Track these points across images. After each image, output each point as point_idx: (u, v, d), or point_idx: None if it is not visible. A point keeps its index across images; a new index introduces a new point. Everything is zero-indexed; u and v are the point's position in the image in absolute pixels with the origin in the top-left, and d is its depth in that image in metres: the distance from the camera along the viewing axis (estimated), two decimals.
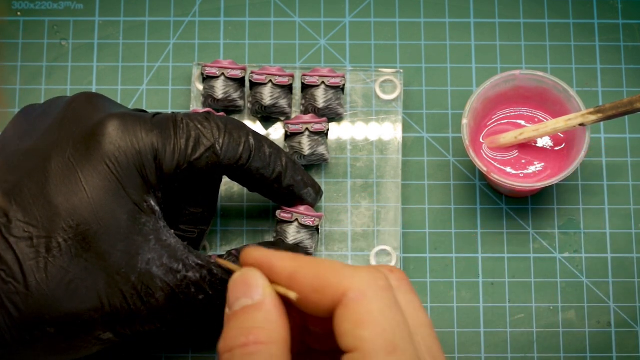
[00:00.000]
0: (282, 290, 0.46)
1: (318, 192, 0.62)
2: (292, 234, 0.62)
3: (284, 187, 0.60)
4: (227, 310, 0.47)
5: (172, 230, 0.57)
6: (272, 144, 0.59)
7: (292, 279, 0.46)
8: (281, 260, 0.47)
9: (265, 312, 0.46)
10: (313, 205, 0.62)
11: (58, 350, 0.54)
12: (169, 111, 0.67)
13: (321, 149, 0.65)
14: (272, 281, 0.47)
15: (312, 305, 0.46)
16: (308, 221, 0.62)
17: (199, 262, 0.55)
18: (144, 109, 0.67)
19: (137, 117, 0.56)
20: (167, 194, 0.58)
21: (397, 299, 0.46)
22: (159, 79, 0.68)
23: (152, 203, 0.55)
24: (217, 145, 0.57)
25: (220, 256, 0.59)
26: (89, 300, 0.53)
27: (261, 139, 0.59)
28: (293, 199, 0.61)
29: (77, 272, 0.53)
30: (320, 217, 0.63)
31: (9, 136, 0.58)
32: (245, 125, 0.59)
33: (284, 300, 0.47)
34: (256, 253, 0.47)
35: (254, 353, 0.45)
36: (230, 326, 0.46)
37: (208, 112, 0.58)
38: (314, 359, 0.51)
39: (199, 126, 0.57)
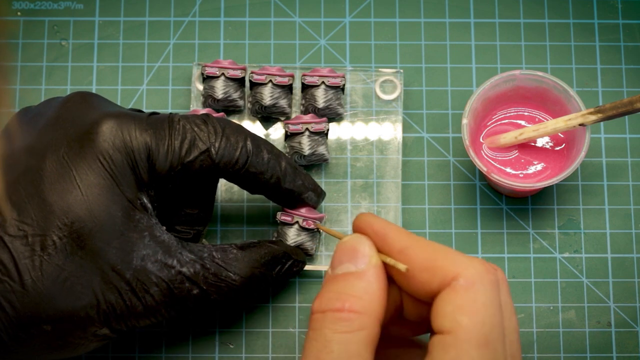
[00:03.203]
0: (392, 261, 0.47)
1: (319, 194, 0.62)
2: (293, 236, 0.62)
3: (282, 191, 0.60)
4: (329, 270, 0.48)
5: (165, 227, 0.57)
6: (271, 149, 0.59)
7: (404, 253, 0.47)
8: (397, 233, 0.47)
9: (367, 282, 0.46)
10: (314, 207, 0.62)
11: (55, 347, 0.54)
12: (169, 111, 0.67)
13: (321, 149, 0.65)
14: (381, 252, 0.47)
15: (417, 283, 0.46)
16: (309, 224, 0.62)
17: (193, 257, 0.56)
18: (144, 109, 0.67)
19: (132, 116, 0.56)
20: (162, 194, 0.58)
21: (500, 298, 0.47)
22: (159, 79, 0.68)
23: (145, 200, 0.56)
24: (212, 149, 0.57)
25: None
26: (85, 297, 0.53)
27: (260, 144, 0.59)
28: (293, 202, 0.61)
29: (73, 270, 0.53)
30: (321, 219, 0.62)
31: (4, 137, 0.58)
32: (244, 129, 0.58)
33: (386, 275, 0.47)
34: (372, 219, 0.48)
35: (346, 320, 0.46)
36: (329, 288, 0.47)
37: (207, 115, 0.58)
38: (399, 335, 0.51)
39: (196, 128, 0.57)
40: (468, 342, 0.44)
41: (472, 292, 0.45)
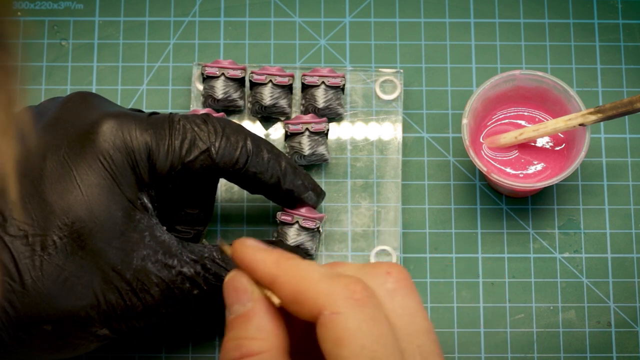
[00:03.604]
0: (268, 294, 0.45)
1: (319, 194, 0.62)
2: (293, 236, 0.62)
3: (282, 191, 0.60)
4: (227, 313, 0.47)
5: (165, 227, 0.57)
6: (271, 149, 0.59)
7: (274, 285, 0.45)
8: (263, 265, 0.45)
9: (257, 320, 0.45)
10: (315, 207, 0.62)
11: (55, 347, 0.54)
12: (169, 111, 0.67)
13: (321, 149, 0.65)
14: (256, 284, 0.46)
15: (293, 314, 0.45)
16: (309, 224, 0.62)
17: (193, 257, 0.56)
18: (144, 109, 0.67)
19: (132, 116, 0.56)
20: (162, 194, 0.58)
21: (386, 307, 0.44)
22: (159, 79, 0.68)
23: (146, 200, 0.56)
24: (212, 149, 0.57)
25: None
26: (85, 297, 0.53)
27: (260, 144, 0.59)
28: (293, 202, 0.61)
29: (73, 270, 0.53)
30: (321, 219, 0.63)
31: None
32: (244, 129, 0.58)
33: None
34: (242, 251, 0.46)
35: None
36: (228, 336, 0.46)
37: (207, 114, 0.58)
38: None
39: (196, 128, 0.57)
40: None
41: (341, 321, 0.43)
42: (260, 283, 0.46)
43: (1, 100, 0.36)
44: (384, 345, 0.43)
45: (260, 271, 0.45)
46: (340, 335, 0.43)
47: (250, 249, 0.46)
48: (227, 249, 0.48)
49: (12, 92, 0.36)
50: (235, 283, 0.46)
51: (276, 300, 0.45)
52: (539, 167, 0.63)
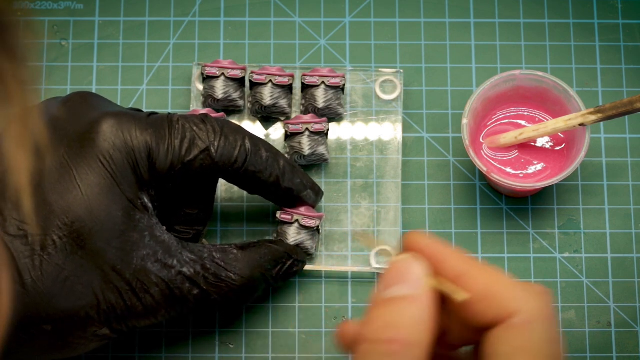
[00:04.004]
0: (449, 288, 0.43)
1: (318, 193, 0.62)
2: (293, 235, 0.62)
3: (282, 190, 0.60)
4: (376, 292, 0.44)
5: (165, 227, 0.57)
6: (269, 148, 0.59)
7: (461, 281, 0.43)
8: (454, 257, 0.44)
9: (420, 309, 0.43)
10: (313, 206, 0.62)
11: (55, 347, 0.54)
12: (169, 111, 0.67)
13: (321, 149, 0.65)
14: (436, 275, 0.44)
15: (471, 313, 0.43)
16: (308, 222, 0.62)
17: (193, 257, 0.56)
18: (144, 109, 0.67)
19: (132, 116, 0.56)
20: (162, 194, 0.58)
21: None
22: (159, 79, 0.68)
23: (146, 200, 0.56)
24: (212, 148, 0.57)
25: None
26: (85, 297, 0.53)
27: (258, 143, 0.59)
28: (292, 201, 0.61)
29: (73, 270, 0.53)
30: (321, 218, 0.63)
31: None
32: (242, 129, 0.59)
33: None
34: (426, 241, 0.45)
35: (396, 353, 0.42)
36: (378, 314, 0.43)
37: (205, 114, 0.58)
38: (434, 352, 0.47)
39: (195, 128, 0.57)
40: None
41: (530, 332, 0.42)
42: (443, 275, 0.44)
43: (17, 114, 0.36)
44: None
45: (449, 263, 0.44)
46: (526, 345, 0.42)
47: (434, 241, 0.45)
48: (366, 240, 0.47)
49: (28, 105, 0.36)
50: (407, 266, 0.44)
51: (461, 296, 0.43)
52: (539, 167, 0.63)
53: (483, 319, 0.43)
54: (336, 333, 0.45)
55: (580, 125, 0.61)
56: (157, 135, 0.56)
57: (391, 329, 0.42)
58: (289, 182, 0.60)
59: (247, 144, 0.58)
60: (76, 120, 0.56)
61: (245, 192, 0.65)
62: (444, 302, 0.44)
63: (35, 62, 0.68)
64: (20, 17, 0.37)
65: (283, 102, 0.65)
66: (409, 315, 0.43)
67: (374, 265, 0.64)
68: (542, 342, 0.42)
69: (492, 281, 0.43)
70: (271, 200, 0.61)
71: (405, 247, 0.45)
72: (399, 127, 0.66)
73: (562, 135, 0.64)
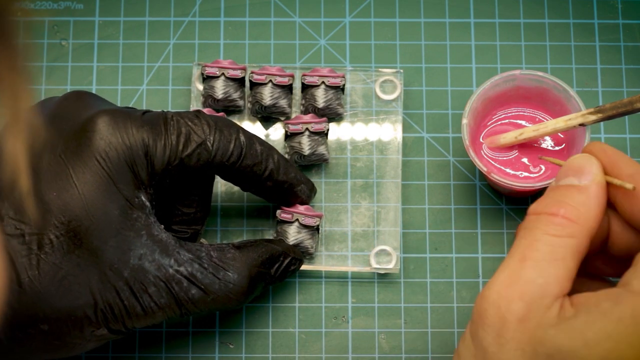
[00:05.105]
0: (618, 181, 0.48)
1: (311, 189, 0.62)
2: (293, 234, 0.62)
3: (276, 184, 0.60)
4: (552, 182, 0.50)
5: (162, 226, 0.57)
6: (263, 142, 0.59)
7: (634, 178, 0.48)
8: (628, 159, 0.49)
9: (586, 196, 0.48)
10: (307, 202, 0.62)
11: (52, 347, 0.54)
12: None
13: (321, 149, 0.65)
14: (608, 174, 0.49)
15: (637, 206, 0.48)
16: (308, 221, 0.62)
17: (190, 256, 0.56)
18: (144, 109, 0.67)
19: (128, 114, 0.56)
20: (159, 192, 0.58)
21: None
22: (159, 79, 0.68)
23: (143, 199, 0.56)
24: (208, 142, 0.57)
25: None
26: (82, 296, 0.53)
27: (252, 137, 0.59)
28: (286, 196, 0.61)
29: (70, 269, 0.53)
30: (320, 217, 0.63)
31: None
32: (235, 124, 0.59)
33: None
34: (605, 146, 0.50)
35: (558, 224, 0.47)
36: (548, 194, 0.49)
37: (198, 110, 0.59)
38: (596, 272, 0.52)
39: (190, 123, 0.57)
40: None
41: None
42: (614, 175, 0.49)
43: (10, 97, 0.36)
44: None
45: (624, 163, 0.49)
46: None
47: (613, 148, 0.50)
48: (553, 160, 0.54)
49: (20, 89, 0.37)
50: (584, 162, 0.49)
51: (629, 185, 0.48)
52: (539, 167, 0.63)
53: None
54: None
55: (580, 125, 0.61)
56: (154, 131, 0.56)
57: (557, 205, 0.48)
58: (283, 175, 0.60)
59: (242, 137, 0.58)
60: (72, 119, 0.56)
61: (245, 192, 0.65)
62: (613, 203, 0.49)
63: (35, 62, 0.68)
64: (20, 17, 0.37)
65: (283, 102, 0.65)
66: (577, 198, 0.48)
67: (374, 265, 0.64)
68: None
69: None
70: (264, 196, 0.61)
71: (585, 151, 0.50)
72: (399, 127, 0.66)
73: (562, 135, 0.64)
